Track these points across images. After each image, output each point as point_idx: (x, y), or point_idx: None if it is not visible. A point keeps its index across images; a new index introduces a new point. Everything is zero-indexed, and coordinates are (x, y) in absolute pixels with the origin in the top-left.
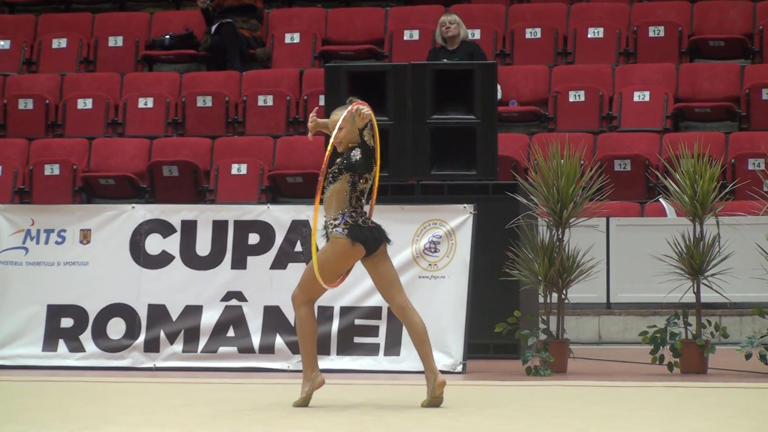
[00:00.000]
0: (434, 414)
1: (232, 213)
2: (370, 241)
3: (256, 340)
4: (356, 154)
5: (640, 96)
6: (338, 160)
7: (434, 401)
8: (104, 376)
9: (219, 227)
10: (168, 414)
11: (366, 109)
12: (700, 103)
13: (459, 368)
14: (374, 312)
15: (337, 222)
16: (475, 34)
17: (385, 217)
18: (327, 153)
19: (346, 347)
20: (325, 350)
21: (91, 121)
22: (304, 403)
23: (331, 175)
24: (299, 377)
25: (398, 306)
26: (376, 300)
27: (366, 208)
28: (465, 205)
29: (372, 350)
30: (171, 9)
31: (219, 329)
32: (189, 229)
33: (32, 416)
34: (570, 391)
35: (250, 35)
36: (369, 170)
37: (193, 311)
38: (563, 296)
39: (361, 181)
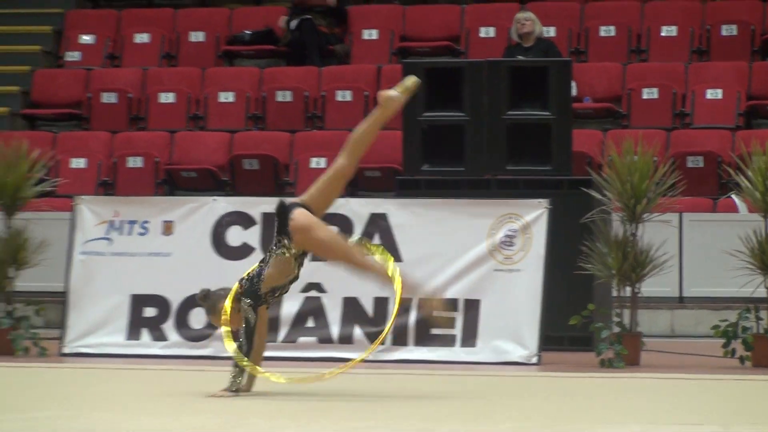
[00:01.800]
0: (509, 403)
1: None
2: None
3: (335, 330)
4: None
5: (713, 94)
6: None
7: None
8: (186, 364)
9: None
10: (249, 403)
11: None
12: None
13: (534, 360)
14: (451, 304)
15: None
16: (550, 32)
17: (460, 211)
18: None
19: (423, 338)
20: (402, 341)
21: (174, 114)
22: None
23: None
24: (379, 367)
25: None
26: (453, 292)
27: None
28: (540, 200)
29: (448, 341)
30: (251, 5)
31: (299, 320)
32: (269, 221)
33: (118, 403)
34: (643, 383)
35: (329, 32)
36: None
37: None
38: (636, 290)
39: None
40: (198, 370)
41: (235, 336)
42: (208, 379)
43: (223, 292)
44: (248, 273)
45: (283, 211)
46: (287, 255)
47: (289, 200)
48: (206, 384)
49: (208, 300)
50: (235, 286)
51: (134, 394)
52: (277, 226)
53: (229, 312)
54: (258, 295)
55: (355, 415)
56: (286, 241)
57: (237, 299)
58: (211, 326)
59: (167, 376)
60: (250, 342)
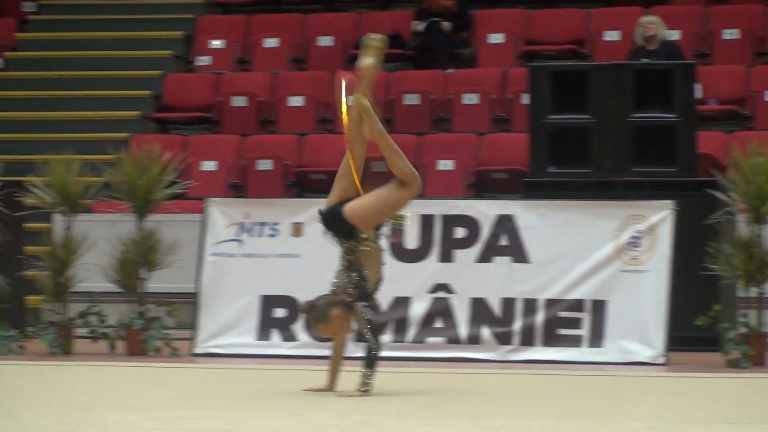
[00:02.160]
0: (636, 403)
1: (439, 207)
2: None
3: (463, 330)
4: None
5: None
6: None
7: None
8: (316, 364)
9: (426, 221)
10: (378, 403)
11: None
12: None
13: (661, 360)
14: (577, 305)
15: None
16: (674, 35)
17: (586, 212)
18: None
19: (551, 339)
20: (530, 342)
21: (302, 118)
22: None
23: None
24: (507, 367)
25: None
26: (580, 292)
27: None
28: (665, 201)
29: (576, 342)
30: (378, 10)
31: (427, 320)
32: None
33: (248, 402)
34: None
35: (455, 36)
36: None
37: (401, 303)
38: (762, 290)
39: None
40: (325, 370)
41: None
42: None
43: (327, 299)
44: (340, 282)
45: (334, 217)
46: (371, 246)
47: (324, 207)
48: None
49: (316, 310)
50: (339, 296)
51: (265, 393)
52: (340, 232)
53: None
54: (369, 294)
55: (482, 414)
56: (359, 237)
57: (350, 307)
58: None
59: (297, 376)
60: (377, 339)
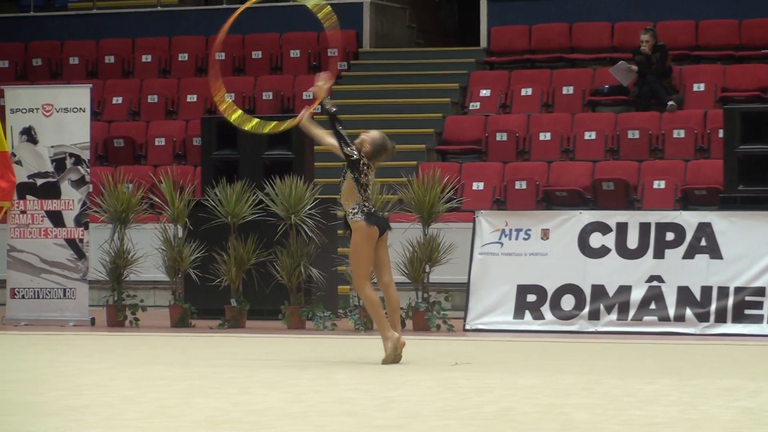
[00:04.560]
0: None
1: (653, 217)
2: (383, 225)
3: (671, 311)
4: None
5: None
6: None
7: (396, 359)
8: (557, 337)
9: (644, 227)
10: (605, 366)
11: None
12: None
13: None
14: (760, 291)
15: (354, 211)
16: None
17: (767, 220)
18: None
19: (739, 317)
20: (723, 319)
21: (550, 149)
22: (393, 360)
23: (341, 176)
24: (705, 339)
25: (384, 283)
26: (761, 281)
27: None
28: None
29: (758, 319)
30: (606, 66)
31: (643, 303)
32: (622, 228)
33: (508, 365)
34: None
35: (668, 85)
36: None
37: (624, 290)
38: None
39: (362, 175)
40: (566, 342)
41: None
42: (573, 349)
43: None
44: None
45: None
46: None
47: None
48: (572, 352)
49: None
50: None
51: (518, 359)
52: None
53: None
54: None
55: (686, 374)
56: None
57: None
58: (577, 308)
59: (543, 347)
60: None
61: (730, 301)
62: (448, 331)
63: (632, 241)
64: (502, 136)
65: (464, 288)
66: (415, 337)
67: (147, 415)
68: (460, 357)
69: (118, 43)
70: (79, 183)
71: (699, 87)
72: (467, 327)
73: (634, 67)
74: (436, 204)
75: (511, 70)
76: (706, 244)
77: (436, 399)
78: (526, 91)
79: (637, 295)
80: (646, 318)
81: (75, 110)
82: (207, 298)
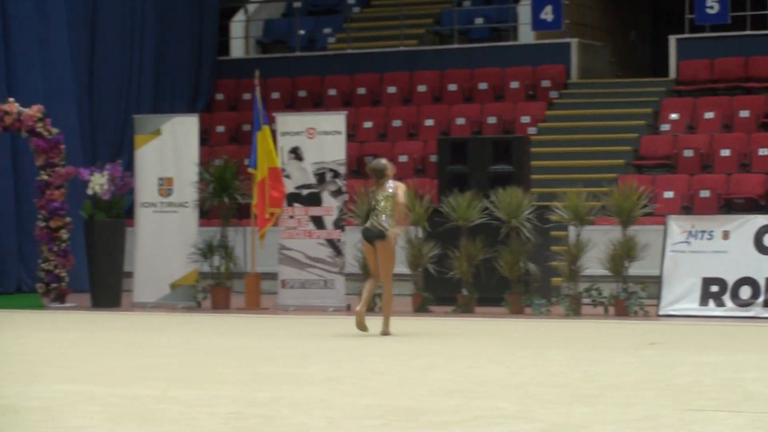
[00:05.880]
0: None
1: None
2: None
3: None
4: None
5: None
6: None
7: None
8: (735, 323)
9: None
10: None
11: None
12: None
13: None
14: None
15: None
16: None
17: None
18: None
19: None
20: None
21: (729, 162)
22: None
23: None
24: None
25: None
26: None
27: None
28: None
29: None
30: None
31: None
32: None
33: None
34: None
35: None
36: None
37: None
38: None
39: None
40: (743, 326)
41: None
42: (749, 331)
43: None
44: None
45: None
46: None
47: None
48: (748, 335)
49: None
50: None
51: (704, 340)
52: None
53: None
54: None
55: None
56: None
57: None
58: (753, 297)
59: (723, 330)
60: None
61: None
62: (644, 317)
63: None
64: (688, 153)
65: (657, 280)
66: (616, 321)
67: (392, 385)
68: (654, 338)
69: (368, 77)
70: (336, 193)
71: None
72: (660, 313)
73: None
74: (634, 209)
75: (696, 96)
76: None
77: (634, 373)
78: (709, 115)
79: None
80: None
81: (333, 133)
82: (442, 288)
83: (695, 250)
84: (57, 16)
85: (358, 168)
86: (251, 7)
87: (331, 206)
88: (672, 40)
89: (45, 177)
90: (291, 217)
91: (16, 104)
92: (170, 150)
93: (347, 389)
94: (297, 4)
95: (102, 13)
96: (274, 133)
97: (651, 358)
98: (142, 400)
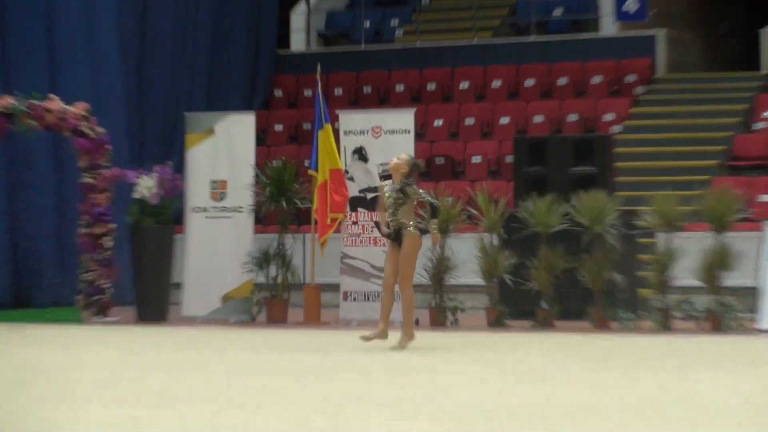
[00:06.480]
0: None
1: None
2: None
3: None
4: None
5: None
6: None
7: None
8: None
9: None
10: None
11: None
12: None
13: None
14: None
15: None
16: None
17: None
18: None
19: None
20: None
21: None
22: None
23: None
24: None
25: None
26: None
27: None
28: None
29: None
30: None
31: None
32: None
33: None
34: None
35: None
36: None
37: None
38: None
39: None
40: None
41: None
42: None
43: None
44: None
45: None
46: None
47: None
48: None
49: None
50: None
51: None
52: None
53: None
54: None
55: None
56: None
57: None
58: None
59: None
60: None
61: None
62: (741, 332)
63: None
64: None
65: (751, 291)
66: (711, 336)
67: (466, 404)
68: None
69: (439, 72)
70: None
71: None
72: (757, 327)
73: None
74: (727, 214)
75: None
76: None
77: (727, 393)
78: None
79: None
80: None
81: (401, 132)
82: (519, 301)
83: None
84: (105, 6)
85: (428, 169)
86: None
87: None
88: (765, 33)
89: (89, 180)
90: (354, 223)
91: (59, 101)
92: (224, 150)
93: (412, 410)
94: None
95: (153, 2)
96: (336, 132)
97: (745, 379)
98: (191, 423)
